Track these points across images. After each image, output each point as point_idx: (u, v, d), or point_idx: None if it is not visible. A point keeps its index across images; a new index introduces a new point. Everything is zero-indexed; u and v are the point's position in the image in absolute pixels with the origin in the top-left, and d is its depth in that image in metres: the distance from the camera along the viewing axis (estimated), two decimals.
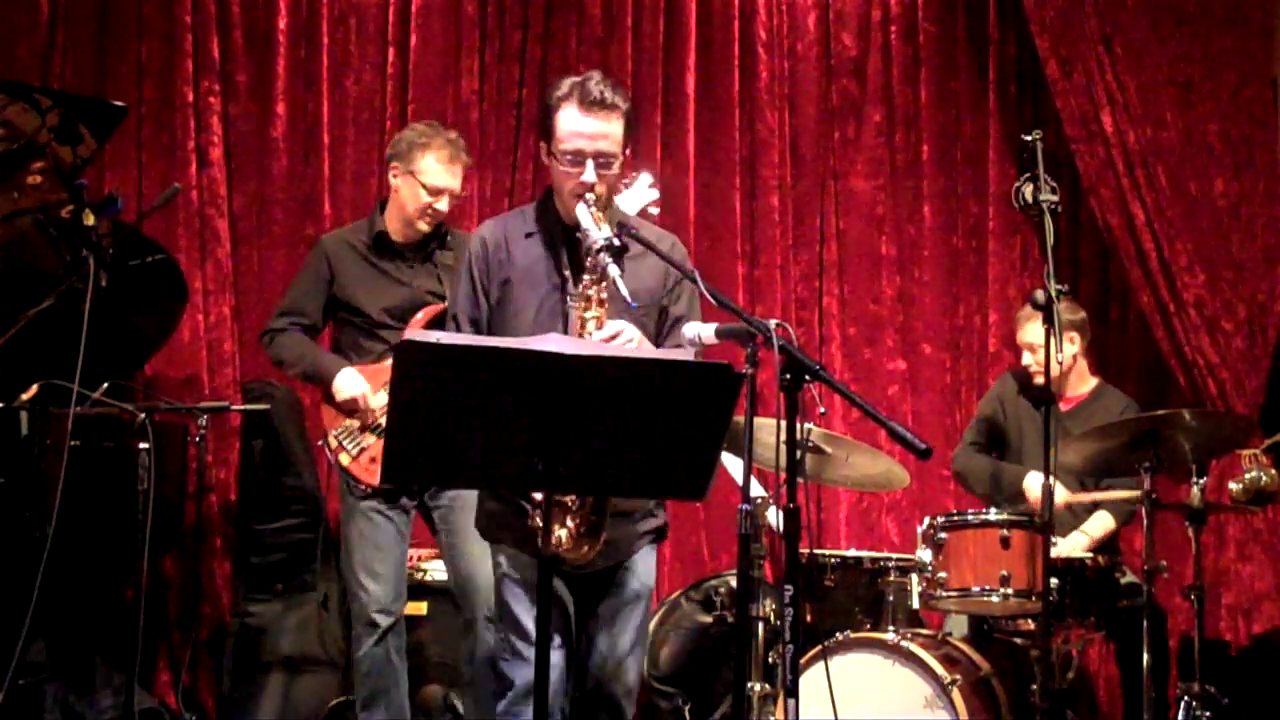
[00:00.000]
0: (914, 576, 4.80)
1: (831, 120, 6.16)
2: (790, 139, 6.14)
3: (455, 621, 5.01)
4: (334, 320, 4.79)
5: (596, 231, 3.31)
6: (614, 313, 3.37)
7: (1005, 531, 4.65)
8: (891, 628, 4.74)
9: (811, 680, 4.04)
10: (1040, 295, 4.25)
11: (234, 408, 5.40)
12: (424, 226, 4.67)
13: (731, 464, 4.49)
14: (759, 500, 4.44)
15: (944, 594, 4.70)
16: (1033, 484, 4.96)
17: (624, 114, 3.45)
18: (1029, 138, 4.39)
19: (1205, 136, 5.64)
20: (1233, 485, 4.96)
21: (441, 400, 2.84)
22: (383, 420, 4.47)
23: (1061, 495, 4.85)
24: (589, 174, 3.40)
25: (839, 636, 4.63)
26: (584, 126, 3.41)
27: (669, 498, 3.64)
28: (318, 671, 5.37)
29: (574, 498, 3.26)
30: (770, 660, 4.47)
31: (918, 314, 6.12)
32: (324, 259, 4.74)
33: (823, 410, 3.31)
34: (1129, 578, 4.89)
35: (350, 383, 4.58)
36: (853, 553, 5.16)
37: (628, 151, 3.50)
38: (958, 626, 5.10)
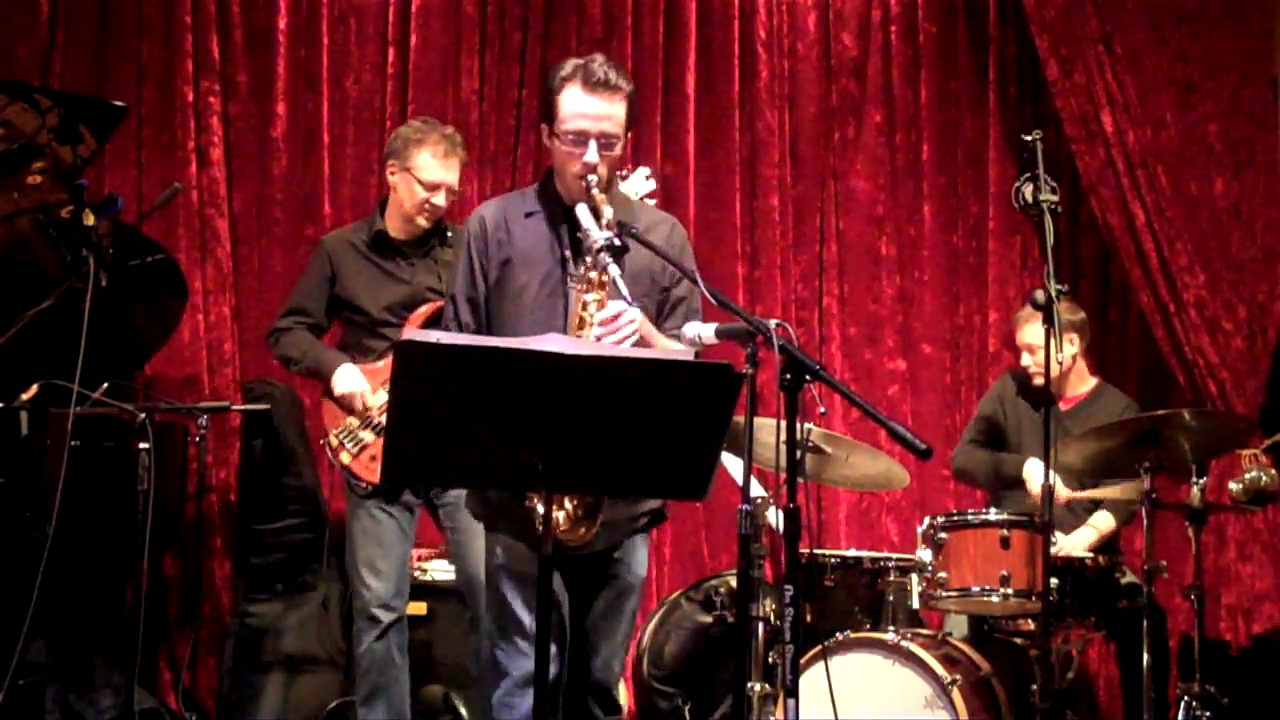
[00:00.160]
0: (914, 576, 4.80)
1: (831, 120, 6.16)
2: (790, 139, 6.15)
3: (456, 621, 5.01)
4: (339, 320, 4.80)
5: (596, 231, 3.30)
6: (615, 299, 3.36)
7: (1005, 531, 4.65)
8: (891, 628, 4.74)
9: (811, 680, 4.03)
10: (1040, 295, 4.25)
11: (234, 408, 5.40)
12: (423, 222, 4.68)
13: (731, 464, 4.49)
14: (759, 500, 4.44)
15: (944, 594, 4.71)
16: (1033, 471, 4.96)
17: (627, 96, 3.45)
18: (1029, 138, 4.39)
19: (1205, 136, 5.64)
20: (1233, 485, 4.96)
21: (441, 400, 2.84)
22: (382, 419, 4.48)
23: (1062, 492, 4.84)
24: (591, 154, 3.40)
25: (839, 636, 4.63)
26: (587, 107, 3.41)
27: (669, 498, 3.64)
28: (318, 671, 5.37)
29: None
30: (770, 660, 4.47)
31: (918, 314, 6.12)
32: (325, 258, 4.75)
33: (823, 410, 3.31)
34: (1129, 578, 4.89)
35: (348, 379, 4.59)
36: (853, 553, 5.16)
37: (629, 136, 3.51)
38: (958, 626, 5.10)
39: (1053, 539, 4.51)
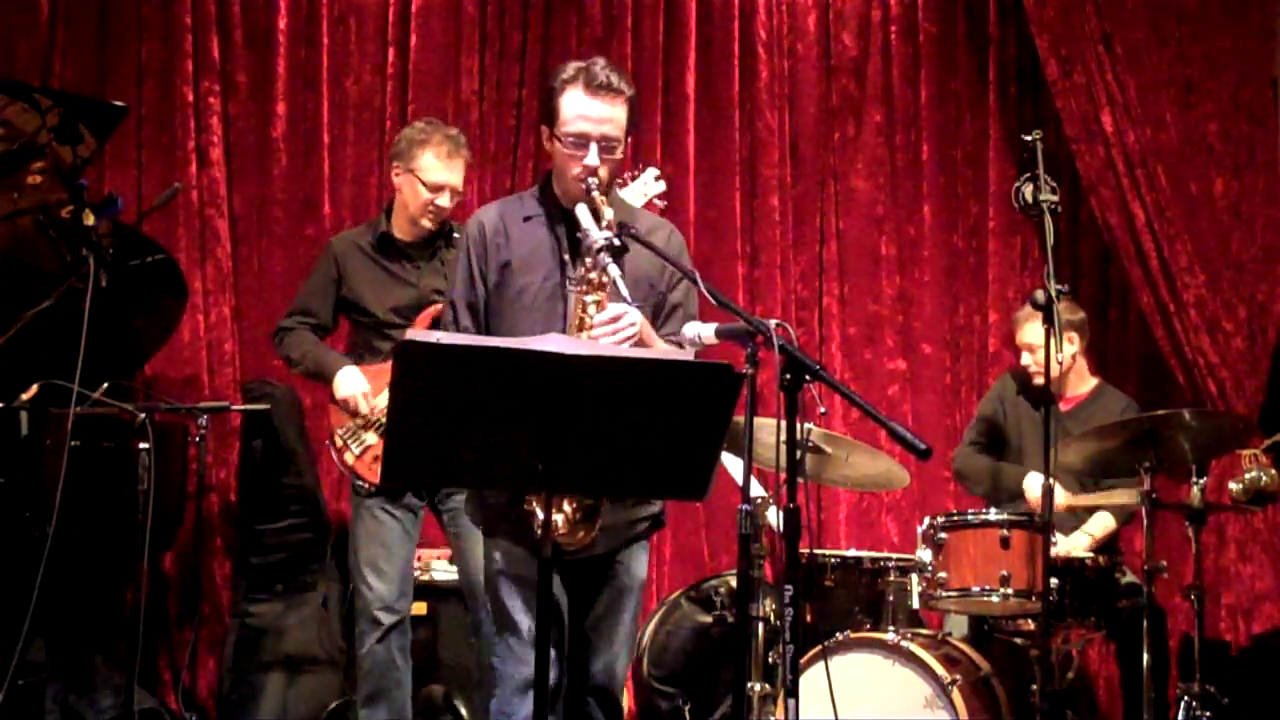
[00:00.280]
0: (914, 576, 4.80)
1: (831, 120, 6.16)
2: (790, 139, 6.15)
3: (457, 621, 5.01)
4: (347, 321, 4.81)
5: (596, 232, 3.30)
6: (614, 299, 3.36)
7: (1005, 531, 4.65)
8: (891, 628, 4.74)
9: (811, 680, 4.03)
10: (1040, 295, 4.25)
11: (234, 408, 5.41)
12: (428, 224, 4.68)
13: (731, 464, 4.49)
14: (759, 500, 4.44)
15: (944, 594, 4.70)
16: (1032, 485, 4.96)
17: (628, 99, 3.45)
18: (1029, 138, 4.39)
19: (1205, 136, 5.64)
20: (1233, 485, 4.96)
21: (441, 400, 2.84)
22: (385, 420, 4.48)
23: (1062, 498, 4.84)
24: (592, 157, 3.40)
25: (839, 636, 4.63)
26: (589, 110, 3.41)
27: (669, 498, 3.64)
28: (318, 671, 5.38)
29: None
30: (770, 660, 4.47)
31: (918, 314, 6.12)
32: (332, 260, 4.77)
33: (823, 410, 3.31)
34: (1129, 578, 4.89)
35: (349, 382, 4.60)
36: (853, 553, 5.16)
37: (629, 139, 3.50)
38: (958, 626, 5.10)
39: (1053, 539, 4.51)
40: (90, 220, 4.55)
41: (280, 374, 5.78)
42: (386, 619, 4.56)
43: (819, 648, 4.47)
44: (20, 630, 4.18)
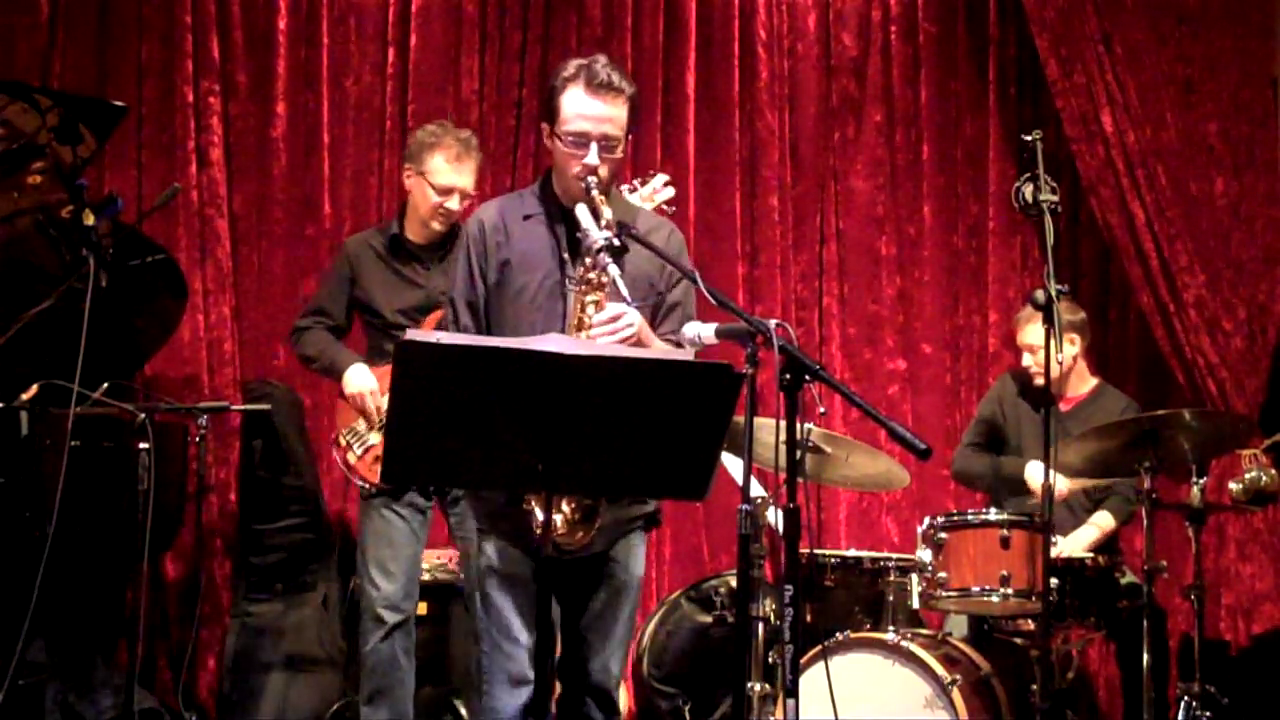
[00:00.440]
0: (914, 576, 4.80)
1: (831, 120, 6.16)
2: (790, 139, 6.15)
3: (456, 621, 5.01)
4: (360, 321, 4.84)
5: (596, 231, 3.30)
6: (614, 299, 3.36)
7: (1005, 531, 4.65)
8: (891, 628, 4.74)
9: (811, 680, 4.03)
10: (1040, 295, 4.25)
11: (234, 408, 5.41)
12: (438, 226, 4.69)
13: (731, 464, 4.49)
14: (759, 500, 4.44)
15: (944, 594, 4.70)
16: (1034, 473, 4.96)
17: (629, 98, 3.44)
18: (1029, 138, 4.39)
19: (1205, 136, 5.64)
20: (1233, 485, 4.96)
21: (441, 400, 2.84)
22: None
23: (1064, 485, 4.84)
24: (592, 156, 3.39)
25: (839, 636, 4.63)
26: (589, 109, 3.40)
27: (669, 498, 3.63)
28: (318, 671, 5.38)
29: None
30: (770, 660, 4.47)
31: (918, 314, 6.13)
32: (346, 260, 4.81)
33: (823, 410, 3.30)
34: (1129, 578, 4.89)
35: (358, 378, 4.63)
36: (853, 553, 5.16)
37: (630, 138, 3.50)
38: (958, 626, 5.10)
39: (1053, 540, 4.51)
40: (90, 220, 4.55)
41: (280, 374, 5.79)
42: (391, 618, 4.56)
43: (819, 648, 4.47)
44: (20, 630, 4.18)
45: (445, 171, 4.63)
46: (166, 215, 5.62)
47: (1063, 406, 5.18)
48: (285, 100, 5.94)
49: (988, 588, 4.64)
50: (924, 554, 4.76)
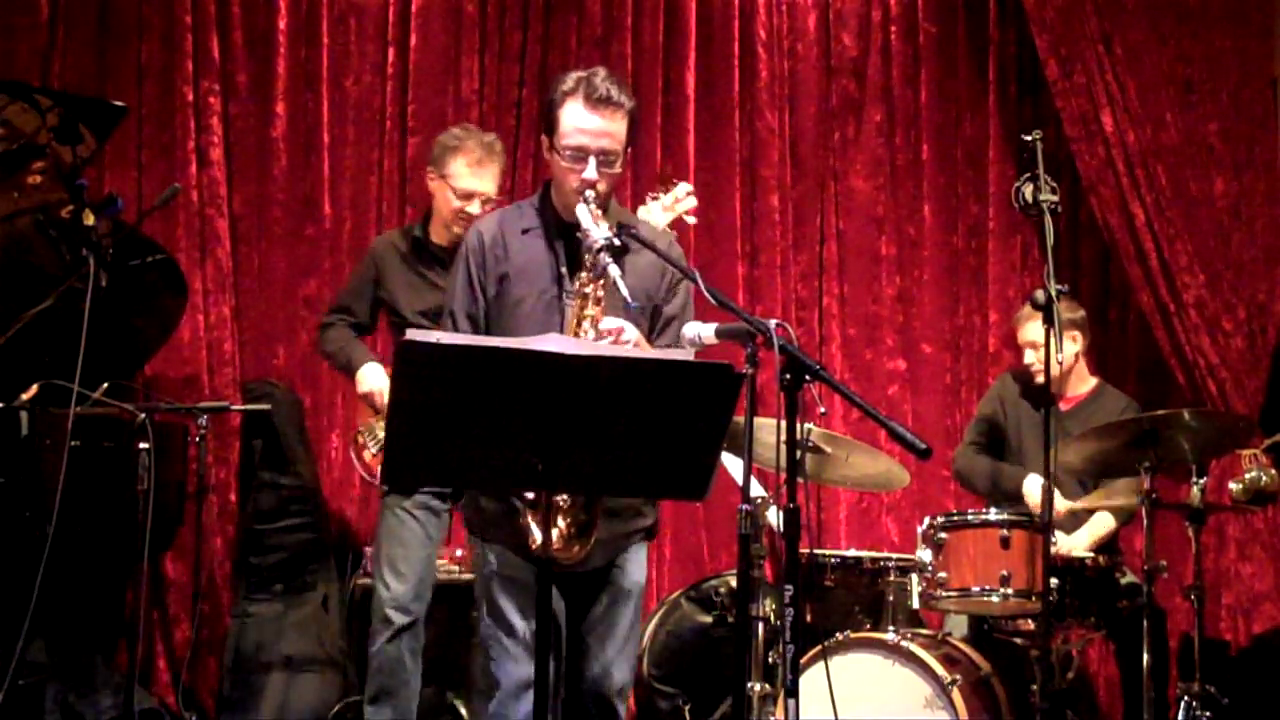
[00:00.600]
0: (914, 576, 4.80)
1: (831, 120, 6.16)
2: (790, 139, 6.15)
3: (456, 622, 5.01)
4: (385, 322, 4.87)
5: (596, 231, 3.30)
6: (611, 311, 3.37)
7: (1005, 531, 4.65)
8: (891, 628, 4.74)
9: (811, 680, 4.03)
10: (1040, 295, 4.25)
11: (234, 408, 5.41)
12: (459, 230, 4.68)
13: (731, 464, 4.49)
14: (759, 500, 4.44)
15: (944, 594, 4.70)
16: (1032, 488, 4.96)
17: (628, 112, 3.44)
18: (1029, 138, 4.39)
19: (1205, 136, 5.64)
20: (1233, 485, 4.96)
21: (441, 400, 2.84)
22: None
23: (1061, 505, 4.84)
24: (590, 171, 3.39)
25: (839, 636, 4.63)
26: (588, 123, 3.40)
27: (669, 498, 3.63)
28: (318, 671, 5.37)
29: (564, 497, 3.25)
30: (770, 660, 4.47)
31: (918, 314, 6.13)
32: (372, 260, 4.83)
33: (823, 410, 3.30)
34: (1129, 578, 4.89)
35: (370, 377, 4.66)
36: (853, 553, 5.16)
37: (628, 152, 3.50)
38: (958, 626, 5.10)
39: (1053, 539, 4.51)
40: (90, 220, 4.55)
41: (280, 374, 5.80)
42: (399, 619, 4.55)
43: (819, 648, 4.47)
44: (20, 630, 4.18)
45: (466, 176, 4.63)
46: (166, 215, 5.62)
47: (1062, 406, 5.18)
48: (285, 100, 5.93)
49: (988, 588, 4.64)
50: (924, 554, 4.76)
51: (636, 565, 3.57)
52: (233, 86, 5.92)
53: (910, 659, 4.50)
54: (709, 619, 5.26)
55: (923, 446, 2.98)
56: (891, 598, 4.91)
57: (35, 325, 4.64)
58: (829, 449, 4.60)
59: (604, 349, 3.17)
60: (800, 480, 3.13)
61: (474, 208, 4.65)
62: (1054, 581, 4.49)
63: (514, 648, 3.44)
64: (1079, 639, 4.91)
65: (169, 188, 5.00)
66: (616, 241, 3.28)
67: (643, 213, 4.47)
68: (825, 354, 6.06)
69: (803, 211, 6.15)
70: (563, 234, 3.49)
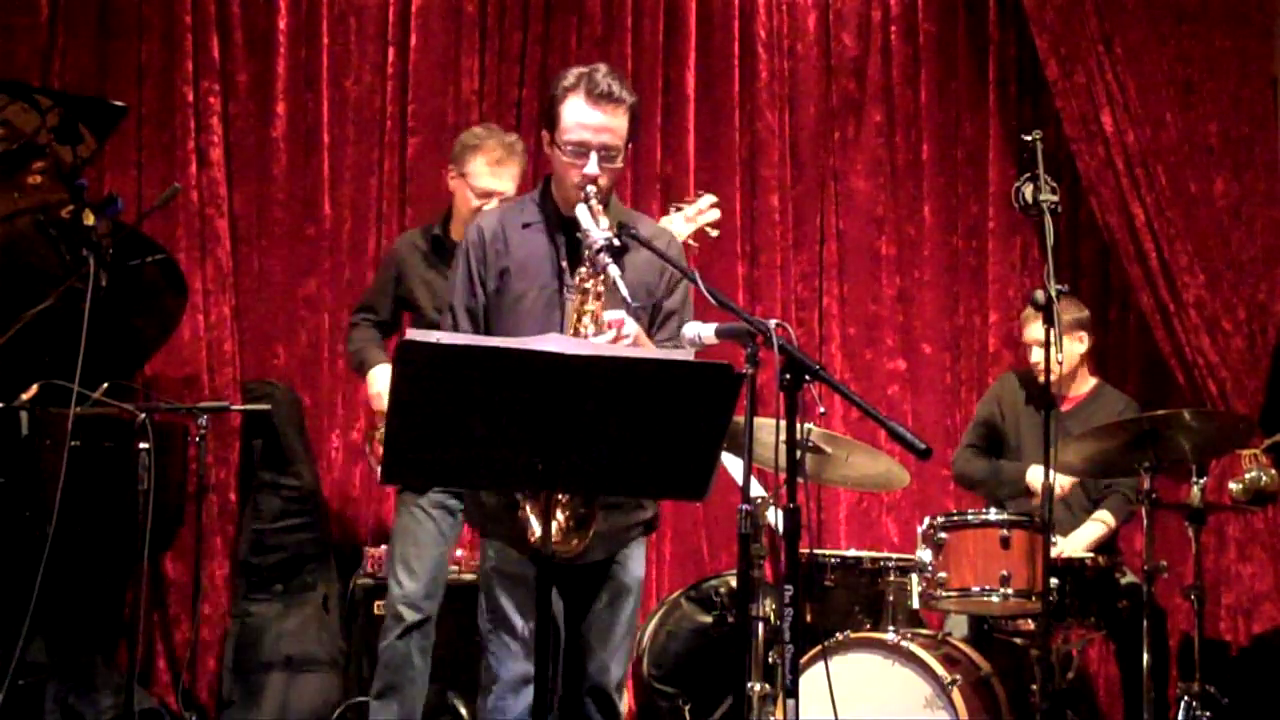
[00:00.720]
0: (914, 576, 4.79)
1: (831, 120, 6.16)
2: (790, 139, 6.15)
3: (456, 621, 5.00)
4: (409, 320, 4.87)
5: (596, 231, 3.30)
6: (611, 307, 3.37)
7: (1005, 531, 4.65)
8: (891, 628, 4.74)
9: (811, 680, 4.03)
10: (1040, 295, 4.25)
11: (234, 408, 5.41)
12: None
13: (731, 464, 4.49)
14: (759, 500, 4.44)
15: (944, 594, 4.70)
16: (1035, 477, 4.95)
17: (629, 108, 3.44)
18: (1029, 138, 4.39)
19: (1205, 136, 5.64)
20: (1233, 485, 4.96)
21: (441, 400, 2.84)
22: None
23: (1065, 481, 4.84)
24: (592, 166, 3.40)
25: (839, 636, 4.63)
26: (589, 119, 3.40)
27: (669, 498, 3.64)
28: (318, 671, 5.38)
29: None
30: (770, 660, 4.47)
31: (918, 314, 6.13)
32: (393, 258, 4.84)
33: (823, 410, 3.30)
34: (1129, 578, 4.89)
35: (378, 378, 4.67)
36: (853, 553, 5.16)
37: (629, 148, 3.51)
38: (958, 626, 5.10)
39: (1053, 539, 4.51)
40: (90, 220, 4.55)
41: (280, 374, 5.80)
42: (410, 616, 4.55)
43: (819, 648, 4.47)
44: (20, 630, 4.18)
45: (485, 175, 4.63)
46: (166, 215, 5.62)
47: (1062, 406, 5.18)
48: (285, 100, 5.93)
49: (988, 588, 4.64)
50: (924, 554, 4.76)
51: (637, 561, 3.58)
52: (233, 86, 5.92)
53: (910, 659, 4.50)
54: (709, 619, 5.26)
55: (923, 446, 2.98)
56: (891, 598, 4.91)
57: (35, 325, 4.64)
58: (829, 449, 4.60)
59: (604, 349, 3.17)
60: (800, 480, 3.13)
61: (492, 206, 4.65)
62: (1054, 581, 4.49)
63: (513, 644, 3.44)
64: (1079, 639, 4.92)
65: (169, 188, 5.01)
66: (616, 242, 3.28)
67: (665, 223, 4.46)
68: (825, 354, 6.07)
69: (803, 211, 6.15)
70: (563, 229, 3.49)
